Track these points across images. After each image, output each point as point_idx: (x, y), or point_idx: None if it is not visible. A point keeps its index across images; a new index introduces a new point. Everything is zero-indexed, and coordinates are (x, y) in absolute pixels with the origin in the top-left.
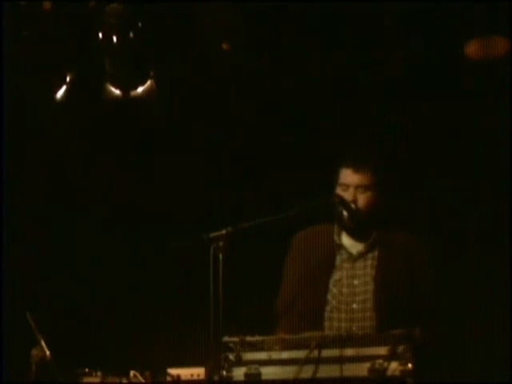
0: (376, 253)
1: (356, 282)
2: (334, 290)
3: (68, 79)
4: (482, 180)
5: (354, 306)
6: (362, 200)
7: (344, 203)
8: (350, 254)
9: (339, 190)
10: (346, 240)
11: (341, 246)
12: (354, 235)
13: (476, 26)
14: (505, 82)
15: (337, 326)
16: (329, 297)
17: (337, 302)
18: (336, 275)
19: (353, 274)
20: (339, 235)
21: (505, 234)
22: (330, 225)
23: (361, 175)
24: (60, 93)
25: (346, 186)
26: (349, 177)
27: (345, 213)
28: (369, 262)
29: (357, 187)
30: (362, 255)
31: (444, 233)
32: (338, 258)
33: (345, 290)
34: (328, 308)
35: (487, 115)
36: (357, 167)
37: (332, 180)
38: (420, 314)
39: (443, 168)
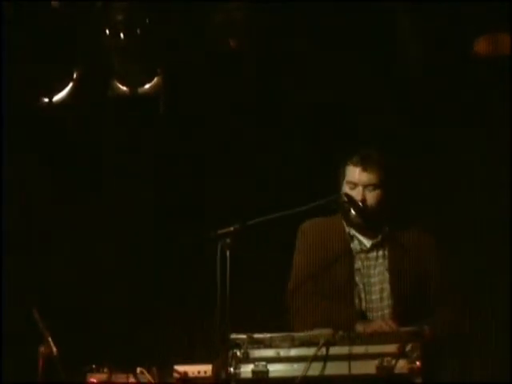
0: (388, 245)
1: (372, 271)
2: (356, 278)
3: (74, 78)
4: (488, 173)
5: (373, 296)
6: (371, 198)
7: (352, 202)
8: (364, 245)
9: (347, 188)
10: (356, 233)
11: (354, 236)
12: (362, 233)
13: (484, 24)
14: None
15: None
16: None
17: (357, 292)
18: (356, 264)
19: (368, 265)
20: (349, 227)
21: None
22: (337, 216)
23: (370, 173)
24: (61, 94)
25: (354, 184)
26: (357, 175)
27: (353, 211)
28: (380, 253)
29: (366, 186)
30: (374, 247)
31: (448, 227)
32: (353, 248)
33: (365, 279)
34: None
35: (492, 110)
36: (365, 166)
37: (337, 176)
38: (432, 305)
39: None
